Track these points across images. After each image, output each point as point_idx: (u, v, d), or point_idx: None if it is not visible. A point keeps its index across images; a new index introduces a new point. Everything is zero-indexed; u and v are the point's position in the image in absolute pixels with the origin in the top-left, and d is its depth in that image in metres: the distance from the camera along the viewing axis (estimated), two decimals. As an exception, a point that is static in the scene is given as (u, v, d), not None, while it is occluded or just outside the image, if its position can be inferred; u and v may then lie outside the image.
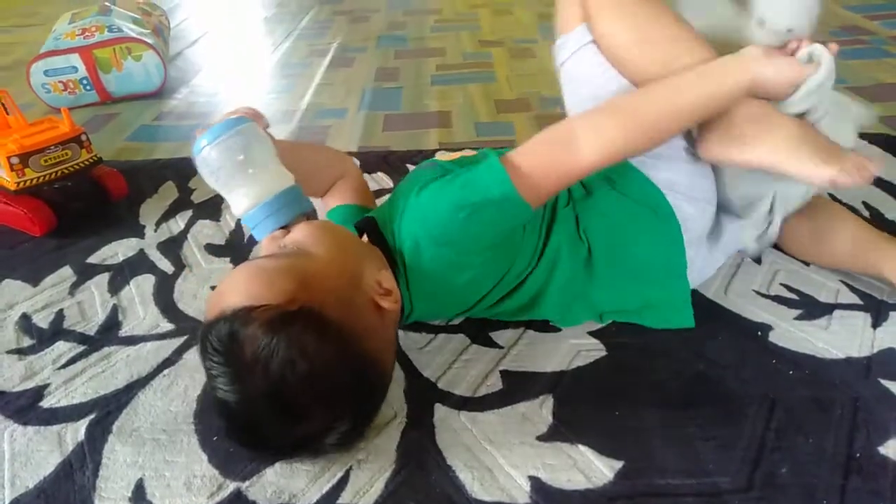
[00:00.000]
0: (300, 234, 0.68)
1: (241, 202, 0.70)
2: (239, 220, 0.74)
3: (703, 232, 0.81)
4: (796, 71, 0.68)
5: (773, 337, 0.78)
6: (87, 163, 1.12)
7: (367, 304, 0.65)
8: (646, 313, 0.80)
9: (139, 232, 1.09)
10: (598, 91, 0.78)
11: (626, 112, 0.69)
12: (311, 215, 0.74)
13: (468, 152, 0.87)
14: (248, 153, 0.70)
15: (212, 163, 0.70)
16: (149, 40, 1.73)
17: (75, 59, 1.64)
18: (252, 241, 1.05)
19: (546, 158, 0.69)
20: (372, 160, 1.28)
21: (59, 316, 0.90)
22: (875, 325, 0.78)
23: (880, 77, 1.56)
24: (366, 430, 0.65)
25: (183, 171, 1.29)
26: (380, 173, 1.23)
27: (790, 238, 0.89)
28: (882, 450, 0.62)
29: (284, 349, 0.56)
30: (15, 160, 1.04)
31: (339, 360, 0.59)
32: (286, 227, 0.70)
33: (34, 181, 1.06)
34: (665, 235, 0.77)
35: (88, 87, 1.68)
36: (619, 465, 0.63)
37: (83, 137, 1.11)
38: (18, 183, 1.05)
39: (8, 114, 1.11)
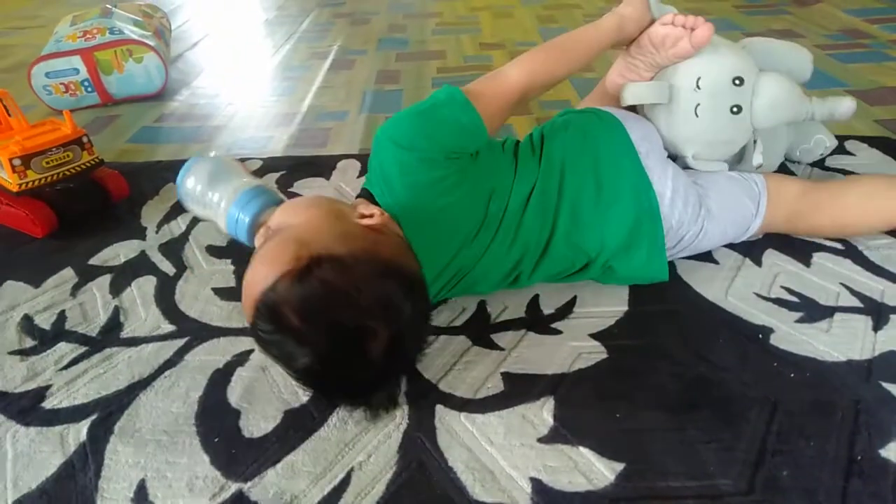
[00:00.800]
0: (277, 217, 0.76)
1: (221, 213, 0.81)
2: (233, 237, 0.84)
3: (653, 140, 0.90)
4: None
5: (774, 339, 0.78)
6: (88, 164, 1.12)
7: (360, 229, 0.73)
8: (622, 257, 0.85)
9: (140, 233, 1.10)
10: None
11: (542, 48, 0.91)
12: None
13: None
14: (214, 170, 0.84)
15: (189, 190, 0.83)
16: (150, 42, 1.73)
17: (77, 61, 1.65)
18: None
19: (486, 82, 0.86)
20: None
21: (61, 317, 0.90)
22: (876, 328, 0.78)
23: (881, 80, 1.56)
24: (428, 328, 0.75)
25: (184, 172, 1.29)
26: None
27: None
28: (883, 452, 0.62)
29: (321, 294, 0.63)
30: (17, 162, 1.04)
31: (368, 274, 0.66)
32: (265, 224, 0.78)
33: (36, 183, 1.07)
34: (615, 138, 0.88)
35: (90, 89, 1.68)
36: (620, 467, 0.63)
37: (85, 139, 1.11)
38: (20, 184, 1.06)
39: (10, 115, 1.11)
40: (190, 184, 0.83)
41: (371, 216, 0.74)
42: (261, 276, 0.66)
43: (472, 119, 0.80)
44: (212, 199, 0.82)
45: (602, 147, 0.87)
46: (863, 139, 1.23)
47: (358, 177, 1.24)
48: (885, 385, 0.70)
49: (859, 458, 0.62)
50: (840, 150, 1.17)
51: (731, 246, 0.94)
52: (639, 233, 0.84)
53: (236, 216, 0.79)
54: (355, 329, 0.63)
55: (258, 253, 0.72)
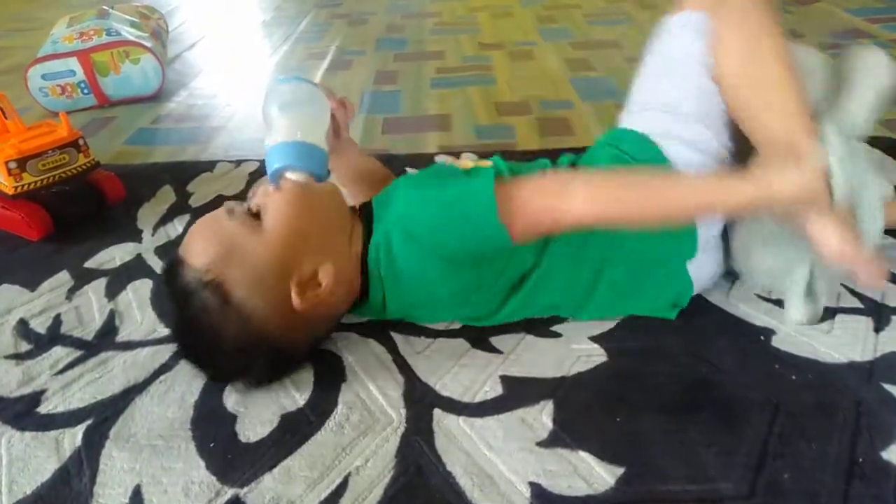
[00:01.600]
0: (273, 197, 0.74)
1: (274, 136, 0.77)
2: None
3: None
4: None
5: (776, 341, 0.77)
6: (84, 167, 1.11)
7: (287, 292, 0.70)
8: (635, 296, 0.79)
9: (136, 236, 1.09)
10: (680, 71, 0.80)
11: (629, 188, 0.70)
12: (319, 179, 0.78)
13: (484, 162, 0.84)
14: (304, 105, 0.79)
15: (282, 94, 0.79)
16: (147, 44, 1.72)
17: (73, 63, 1.64)
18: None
19: (538, 198, 0.70)
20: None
21: (57, 321, 0.89)
22: (878, 329, 0.78)
23: (880, 80, 1.55)
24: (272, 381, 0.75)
25: (180, 174, 1.29)
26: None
27: None
28: (885, 455, 0.62)
29: (192, 313, 0.70)
30: (13, 164, 1.04)
31: (236, 332, 0.69)
32: (280, 181, 0.76)
33: (32, 185, 1.06)
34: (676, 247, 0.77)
35: (86, 91, 1.68)
36: (620, 471, 0.62)
37: (81, 142, 1.11)
38: (16, 187, 1.05)
39: (6, 118, 1.11)
40: (285, 91, 0.80)
41: (314, 287, 0.71)
42: (191, 240, 0.73)
43: (499, 247, 0.70)
44: (285, 118, 0.78)
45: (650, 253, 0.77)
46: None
47: (356, 178, 1.23)
48: (887, 386, 0.69)
49: (861, 460, 0.61)
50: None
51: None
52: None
53: (275, 156, 0.76)
54: (202, 343, 0.72)
55: (218, 213, 0.74)
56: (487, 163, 0.83)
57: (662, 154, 0.77)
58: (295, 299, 0.69)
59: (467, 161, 0.85)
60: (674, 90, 0.80)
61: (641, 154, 0.78)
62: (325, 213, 0.76)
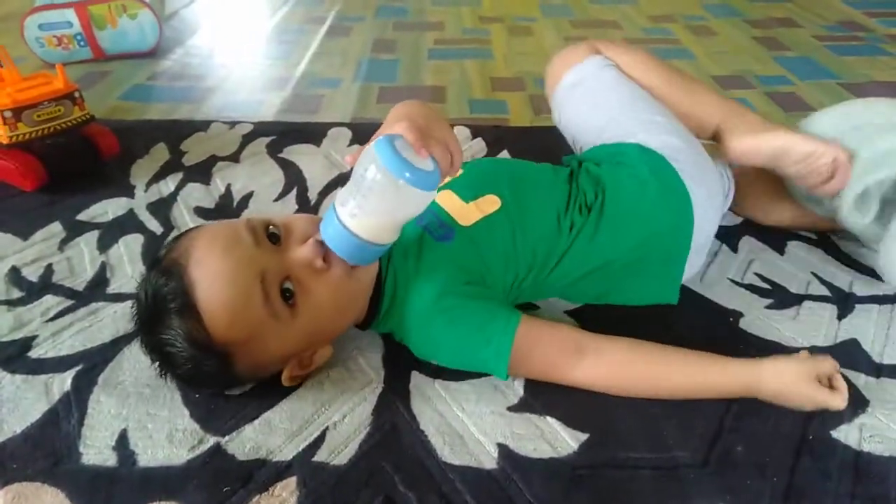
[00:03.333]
0: (317, 286, 0.66)
1: (349, 216, 0.63)
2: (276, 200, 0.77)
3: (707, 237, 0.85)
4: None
5: (743, 323, 0.80)
6: (79, 120, 1.12)
7: (278, 370, 0.69)
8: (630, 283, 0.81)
9: (129, 192, 1.10)
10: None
11: (634, 368, 0.71)
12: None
13: (486, 205, 0.78)
14: (402, 209, 0.64)
15: (371, 175, 0.61)
16: (145, -1, 1.71)
17: (70, 14, 1.63)
18: (240, 206, 1.07)
19: (549, 360, 0.70)
20: (365, 132, 1.29)
21: (49, 270, 0.91)
22: (840, 316, 0.81)
23: (873, 75, 1.57)
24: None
25: (175, 133, 1.30)
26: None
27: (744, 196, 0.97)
28: (834, 433, 0.66)
29: (182, 355, 0.64)
30: (8, 114, 1.04)
31: (209, 372, 0.65)
32: (327, 254, 0.66)
33: (26, 136, 1.07)
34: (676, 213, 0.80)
35: (82, 44, 1.67)
36: (584, 437, 0.66)
37: (76, 94, 1.11)
38: (11, 137, 1.06)
39: (2, 66, 1.11)
40: (380, 181, 0.61)
41: (304, 367, 0.70)
42: (210, 301, 0.62)
43: (499, 374, 0.70)
44: (363, 199, 0.62)
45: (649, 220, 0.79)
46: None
47: (348, 145, 1.25)
48: (843, 370, 0.72)
49: (811, 437, 0.65)
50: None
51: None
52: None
53: (335, 236, 0.64)
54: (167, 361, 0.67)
55: (245, 287, 0.63)
56: (494, 201, 0.78)
57: (679, 177, 0.80)
58: (285, 377, 0.69)
59: (474, 209, 0.77)
60: (636, 121, 0.87)
61: (660, 177, 0.80)
62: (356, 306, 0.73)
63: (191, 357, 0.64)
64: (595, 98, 0.92)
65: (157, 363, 0.68)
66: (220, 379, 0.68)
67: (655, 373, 0.71)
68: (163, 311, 0.63)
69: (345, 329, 0.74)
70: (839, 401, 0.66)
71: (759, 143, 0.84)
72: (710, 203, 0.83)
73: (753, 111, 0.93)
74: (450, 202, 0.78)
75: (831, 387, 0.67)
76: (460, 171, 0.69)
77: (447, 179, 0.67)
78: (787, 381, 0.67)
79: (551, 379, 0.71)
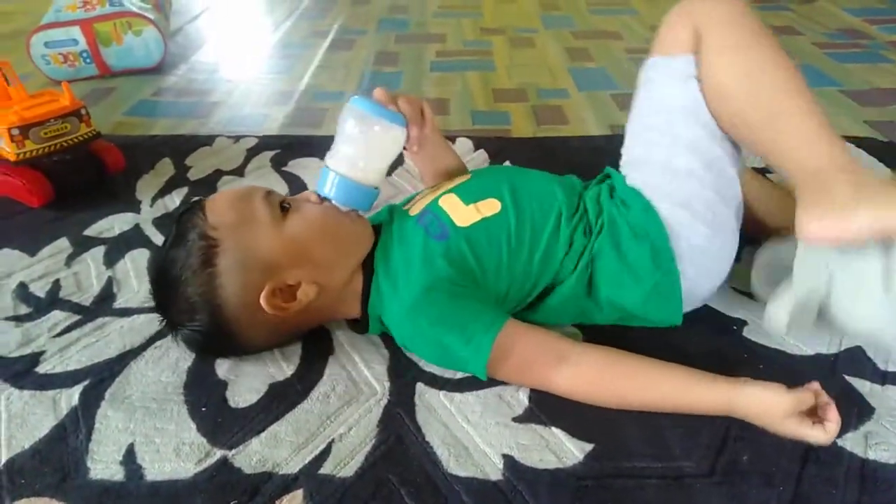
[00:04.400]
0: (307, 207, 0.77)
1: (337, 162, 0.77)
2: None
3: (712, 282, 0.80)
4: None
5: (747, 332, 0.80)
6: (85, 136, 1.13)
7: (260, 286, 0.72)
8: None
9: (135, 207, 1.11)
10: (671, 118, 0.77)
11: (616, 373, 0.70)
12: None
13: (486, 208, 0.79)
14: (378, 149, 0.79)
15: (350, 125, 0.77)
16: (150, 15, 1.73)
17: (76, 32, 1.65)
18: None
19: (530, 364, 0.71)
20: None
21: (56, 286, 0.92)
22: (845, 323, 0.81)
23: (875, 81, 1.58)
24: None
25: (180, 148, 1.31)
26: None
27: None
28: (840, 442, 0.65)
29: (183, 245, 0.73)
30: (16, 132, 1.06)
31: (198, 293, 0.72)
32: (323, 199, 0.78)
33: (34, 153, 1.08)
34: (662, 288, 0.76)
35: (88, 61, 1.69)
36: (589, 447, 0.66)
37: (83, 111, 1.12)
38: (18, 154, 1.07)
39: (9, 84, 1.12)
40: (354, 125, 0.77)
41: (287, 299, 0.73)
42: (217, 200, 0.77)
43: (478, 367, 0.71)
44: (347, 148, 0.77)
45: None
46: (851, 140, 1.25)
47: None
48: (848, 378, 0.73)
49: (817, 446, 0.65)
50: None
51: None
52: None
53: (328, 183, 0.77)
54: (166, 285, 0.75)
55: (252, 190, 0.77)
56: (494, 205, 0.78)
57: (658, 217, 0.75)
58: (262, 298, 0.71)
59: (473, 211, 0.78)
60: (663, 148, 0.77)
61: (640, 220, 0.76)
62: (343, 242, 0.78)
63: (182, 247, 0.72)
64: (650, 106, 0.80)
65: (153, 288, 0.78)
66: (207, 288, 0.72)
67: (636, 386, 0.70)
68: (175, 219, 0.76)
69: (331, 274, 0.76)
70: (822, 437, 0.63)
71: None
72: (711, 267, 0.79)
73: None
74: (451, 204, 0.79)
75: (822, 417, 0.64)
76: (430, 116, 0.81)
77: (416, 131, 0.80)
78: (765, 412, 0.65)
79: (531, 383, 0.71)
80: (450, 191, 0.81)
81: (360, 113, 0.76)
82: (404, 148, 0.82)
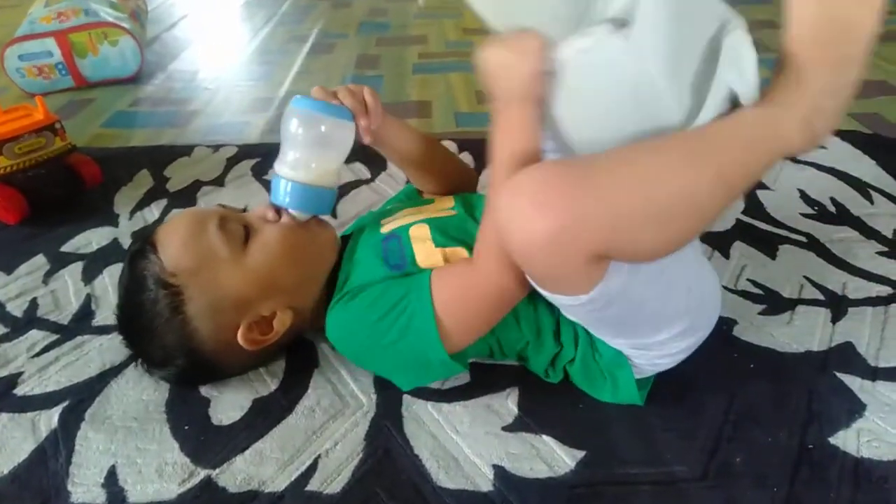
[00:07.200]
0: (268, 229, 0.73)
1: (288, 168, 0.73)
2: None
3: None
4: None
5: (737, 331, 0.80)
6: (61, 151, 1.11)
7: (237, 324, 0.70)
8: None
9: (113, 220, 1.09)
10: None
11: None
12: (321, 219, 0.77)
13: (453, 257, 0.71)
14: (328, 148, 0.74)
15: (295, 126, 0.72)
16: (125, 25, 1.71)
17: (51, 44, 1.62)
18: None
19: (465, 273, 0.66)
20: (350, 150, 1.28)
21: (33, 304, 0.90)
22: (834, 320, 0.81)
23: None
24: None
25: (158, 158, 1.29)
26: (357, 164, 1.23)
27: None
28: (832, 440, 0.65)
29: (145, 296, 0.69)
30: (-12, 147, 1.03)
31: (172, 340, 0.69)
32: (280, 210, 0.74)
33: (8, 169, 1.06)
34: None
35: (64, 72, 1.66)
36: (580, 454, 0.65)
37: (57, 125, 1.10)
38: (-8, 170, 1.05)
39: (-19, 99, 1.10)
40: (298, 126, 0.72)
41: (263, 332, 0.70)
42: (175, 227, 0.72)
43: (446, 366, 0.67)
44: (295, 152, 0.73)
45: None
46: (836, 133, 1.25)
47: (334, 164, 1.24)
48: (839, 375, 0.72)
49: (811, 446, 0.64)
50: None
51: (701, 238, 0.89)
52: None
53: (282, 191, 0.73)
54: (133, 330, 0.73)
55: (210, 213, 0.72)
56: (462, 256, 0.70)
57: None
58: (240, 337, 0.69)
59: (438, 256, 0.71)
60: None
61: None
62: (310, 261, 0.74)
63: (145, 298, 0.68)
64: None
65: (123, 336, 0.75)
66: (181, 335, 0.69)
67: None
68: (127, 261, 0.71)
69: (303, 294, 0.73)
70: None
71: None
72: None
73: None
74: (420, 237, 0.73)
75: None
76: (373, 102, 0.74)
77: (364, 121, 0.74)
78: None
79: (483, 299, 0.65)
80: (429, 221, 0.75)
81: (303, 113, 0.71)
82: (357, 141, 0.76)
